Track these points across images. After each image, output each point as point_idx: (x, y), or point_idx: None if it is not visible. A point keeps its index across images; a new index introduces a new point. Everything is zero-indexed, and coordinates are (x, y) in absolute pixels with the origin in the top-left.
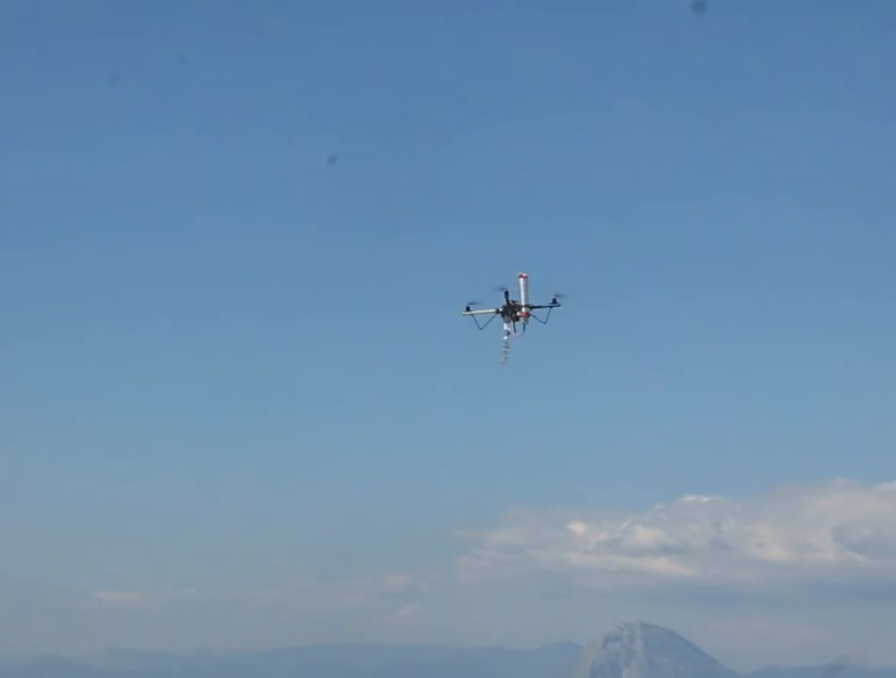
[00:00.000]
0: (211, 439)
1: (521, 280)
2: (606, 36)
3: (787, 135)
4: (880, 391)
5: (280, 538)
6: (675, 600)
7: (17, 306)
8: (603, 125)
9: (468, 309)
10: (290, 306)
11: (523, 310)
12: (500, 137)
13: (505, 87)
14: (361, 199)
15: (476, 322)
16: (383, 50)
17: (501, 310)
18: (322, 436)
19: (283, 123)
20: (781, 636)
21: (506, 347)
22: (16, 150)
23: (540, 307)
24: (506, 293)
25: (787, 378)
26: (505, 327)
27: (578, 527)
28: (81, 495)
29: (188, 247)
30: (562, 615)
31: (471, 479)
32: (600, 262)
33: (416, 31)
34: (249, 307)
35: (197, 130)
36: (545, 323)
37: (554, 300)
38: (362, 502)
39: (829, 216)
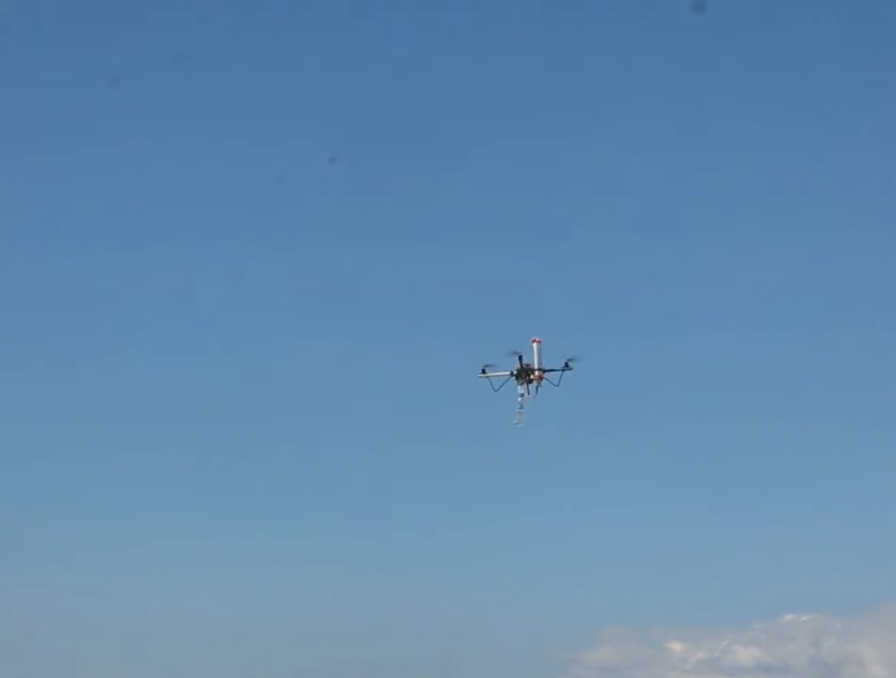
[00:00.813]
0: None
1: (535, 345)
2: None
3: None
4: None
5: (373, 656)
6: None
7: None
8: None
9: (483, 371)
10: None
11: (536, 373)
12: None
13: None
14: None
15: (492, 384)
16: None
17: (514, 373)
18: (407, 550)
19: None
20: None
21: (520, 407)
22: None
23: (553, 370)
24: (520, 357)
25: (891, 493)
26: (520, 389)
27: (676, 646)
28: None
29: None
30: None
31: (566, 596)
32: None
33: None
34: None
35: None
36: (557, 386)
37: (567, 364)
38: (456, 620)
39: None
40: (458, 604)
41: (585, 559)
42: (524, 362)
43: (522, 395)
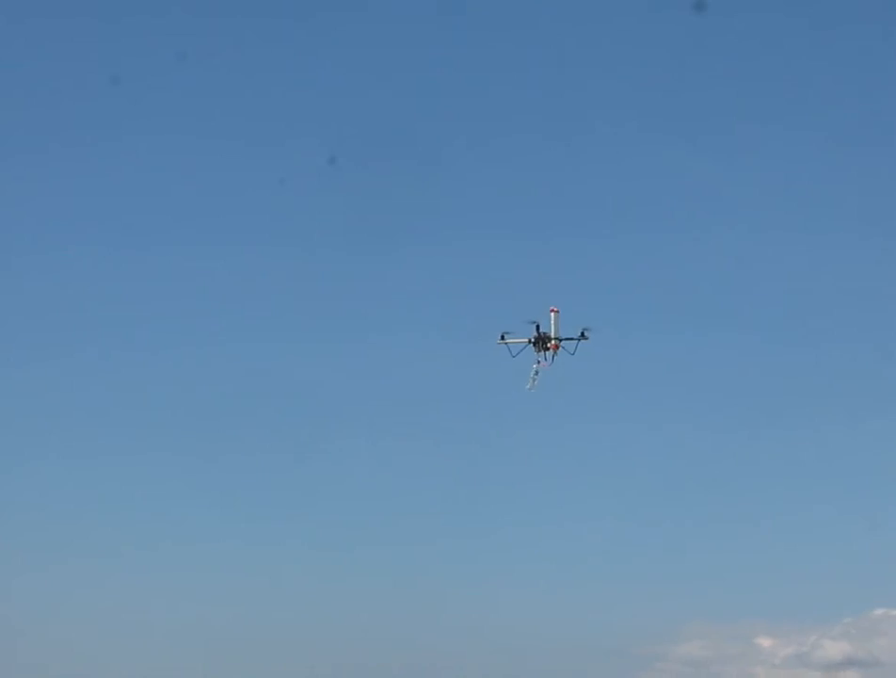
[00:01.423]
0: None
1: (553, 314)
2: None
3: None
4: None
5: (450, 659)
6: None
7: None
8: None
9: (502, 338)
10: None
11: (553, 342)
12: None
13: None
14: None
15: (510, 350)
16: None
17: (532, 340)
18: (493, 549)
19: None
20: None
21: (535, 374)
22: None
23: (569, 339)
24: (537, 325)
25: None
26: (537, 356)
27: (764, 641)
28: None
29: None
30: None
31: (652, 591)
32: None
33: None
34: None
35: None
36: (573, 354)
37: (582, 334)
38: (538, 616)
39: None
40: (542, 601)
41: (672, 554)
42: (541, 330)
43: (539, 362)
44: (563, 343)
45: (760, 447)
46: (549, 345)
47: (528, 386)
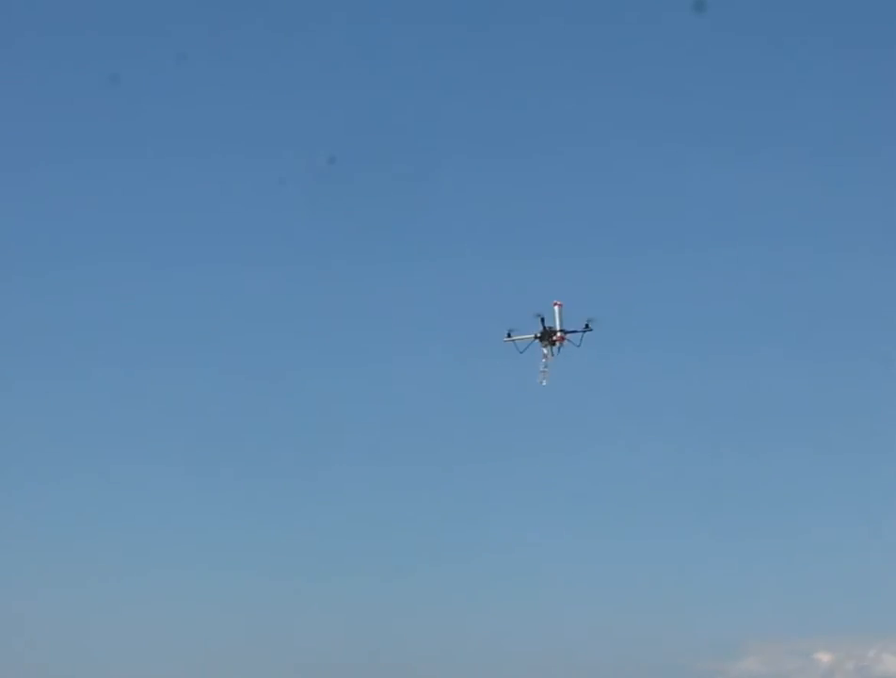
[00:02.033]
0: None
1: (556, 308)
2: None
3: None
4: None
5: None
6: None
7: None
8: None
9: (508, 335)
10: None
11: (558, 334)
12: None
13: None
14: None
15: (517, 347)
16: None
17: (538, 335)
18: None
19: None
20: None
21: (545, 367)
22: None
23: (574, 332)
24: (542, 319)
25: None
26: (543, 350)
27: (824, 656)
28: None
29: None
30: None
31: (711, 608)
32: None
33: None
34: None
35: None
36: (579, 346)
37: (587, 326)
38: (601, 633)
39: None
40: (605, 618)
41: (731, 571)
42: (546, 324)
43: (546, 356)
44: (568, 335)
45: (820, 462)
46: (554, 338)
47: (539, 380)
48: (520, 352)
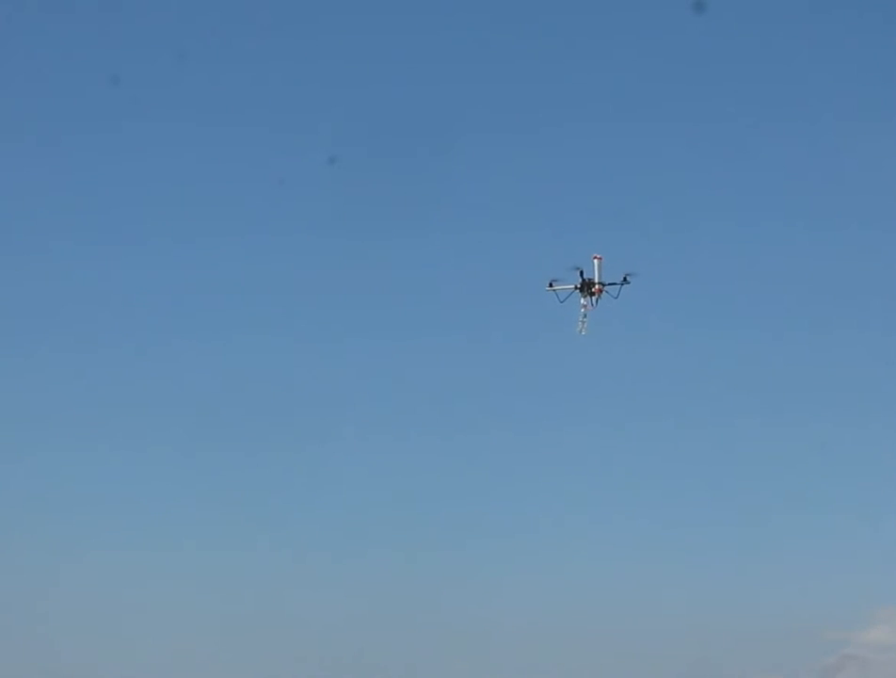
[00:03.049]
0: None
1: (596, 261)
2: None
3: None
4: None
5: (642, 639)
6: None
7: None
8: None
9: (550, 285)
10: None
11: (597, 286)
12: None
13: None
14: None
15: (557, 297)
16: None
17: (578, 286)
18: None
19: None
20: None
21: (584, 317)
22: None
23: (613, 284)
24: (581, 272)
25: None
26: (582, 301)
27: None
28: None
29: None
30: None
31: (839, 576)
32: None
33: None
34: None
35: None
36: (616, 298)
37: (625, 278)
38: (726, 603)
39: None
40: (728, 588)
41: (862, 538)
42: (586, 276)
43: (585, 306)
44: (607, 287)
45: None
46: (593, 289)
47: (578, 329)
48: (561, 302)
